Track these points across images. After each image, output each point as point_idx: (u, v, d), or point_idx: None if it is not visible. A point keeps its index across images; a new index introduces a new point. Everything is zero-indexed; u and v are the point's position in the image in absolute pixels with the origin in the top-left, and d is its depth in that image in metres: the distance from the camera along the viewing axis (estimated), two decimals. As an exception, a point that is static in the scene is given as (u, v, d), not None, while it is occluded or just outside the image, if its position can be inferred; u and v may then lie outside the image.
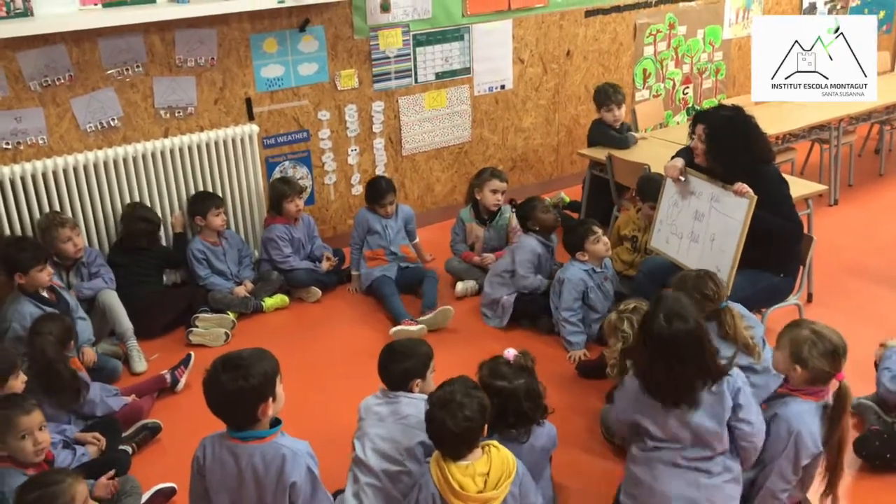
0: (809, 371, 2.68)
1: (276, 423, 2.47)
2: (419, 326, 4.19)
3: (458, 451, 2.45)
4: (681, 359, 2.58)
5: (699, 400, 2.60)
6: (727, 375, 2.63)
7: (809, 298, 4.42)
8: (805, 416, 2.68)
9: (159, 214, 4.52)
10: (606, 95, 5.26)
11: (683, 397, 2.60)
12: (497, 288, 4.36)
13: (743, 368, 2.89)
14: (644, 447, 2.69)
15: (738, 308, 3.27)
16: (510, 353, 2.85)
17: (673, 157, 4.06)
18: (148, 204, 4.48)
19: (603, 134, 5.27)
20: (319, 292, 4.72)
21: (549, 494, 2.88)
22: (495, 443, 2.51)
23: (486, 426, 2.48)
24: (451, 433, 2.40)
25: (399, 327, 4.18)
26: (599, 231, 4.12)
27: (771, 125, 4.67)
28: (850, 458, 3.05)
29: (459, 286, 4.70)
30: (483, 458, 2.45)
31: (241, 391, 2.32)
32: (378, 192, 4.73)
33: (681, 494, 2.61)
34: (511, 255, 4.38)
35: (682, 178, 3.91)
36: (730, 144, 3.72)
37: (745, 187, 3.60)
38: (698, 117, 3.89)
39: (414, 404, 2.77)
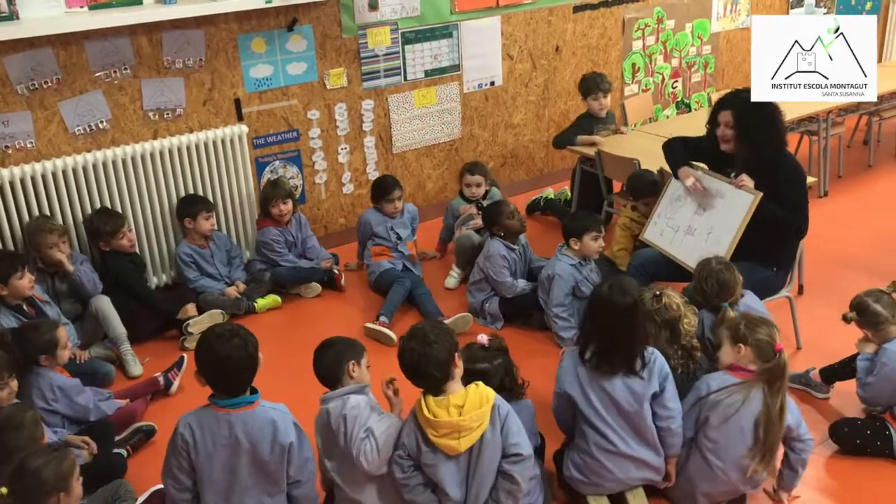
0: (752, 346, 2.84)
1: (253, 391, 2.60)
2: (389, 331, 4.18)
3: (433, 382, 2.52)
4: (614, 326, 2.77)
5: (618, 370, 2.78)
6: (649, 360, 2.81)
7: (801, 291, 4.45)
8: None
9: (136, 215, 4.47)
10: (594, 83, 5.27)
11: (609, 363, 2.78)
12: (476, 295, 4.40)
13: None
14: (583, 438, 2.87)
15: (753, 304, 3.35)
16: (483, 338, 2.96)
17: (680, 163, 3.96)
18: (139, 206, 4.46)
19: (578, 127, 5.29)
20: (319, 287, 4.74)
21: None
22: (479, 382, 2.60)
23: (455, 357, 2.55)
24: (421, 359, 2.48)
25: (372, 325, 4.23)
26: (602, 232, 4.14)
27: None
28: (826, 443, 3.28)
29: (449, 280, 4.75)
30: (461, 392, 2.53)
31: (248, 358, 2.51)
32: (384, 188, 4.78)
33: (615, 478, 2.84)
34: (479, 265, 4.38)
35: (701, 188, 3.82)
36: (760, 126, 3.69)
37: (748, 181, 3.62)
38: (722, 104, 3.82)
39: (354, 400, 2.72)
